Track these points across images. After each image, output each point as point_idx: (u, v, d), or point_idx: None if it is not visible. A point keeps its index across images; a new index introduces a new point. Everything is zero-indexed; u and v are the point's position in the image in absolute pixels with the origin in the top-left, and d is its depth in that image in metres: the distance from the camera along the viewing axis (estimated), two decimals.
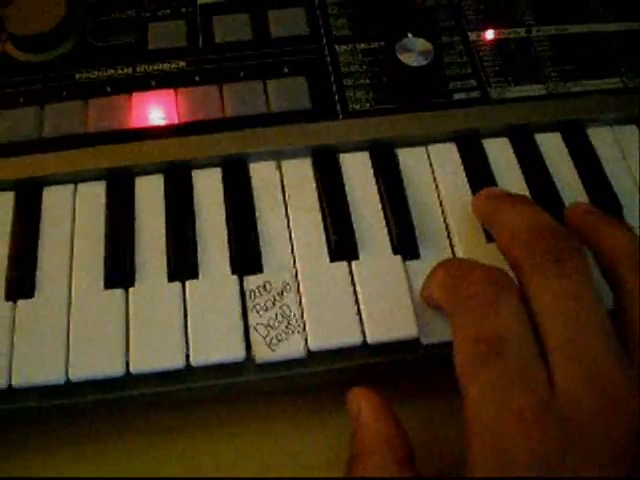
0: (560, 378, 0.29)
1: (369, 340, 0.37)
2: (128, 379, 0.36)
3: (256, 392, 0.39)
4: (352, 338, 0.37)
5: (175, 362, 0.36)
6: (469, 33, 0.47)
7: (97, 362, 0.36)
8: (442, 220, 0.41)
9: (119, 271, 0.39)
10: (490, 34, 0.47)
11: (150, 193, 0.42)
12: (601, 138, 0.44)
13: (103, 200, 0.41)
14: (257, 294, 0.38)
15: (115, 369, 0.36)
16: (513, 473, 0.26)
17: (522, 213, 0.35)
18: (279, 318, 0.38)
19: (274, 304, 0.38)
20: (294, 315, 0.38)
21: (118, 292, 0.38)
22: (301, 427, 0.39)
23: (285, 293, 0.38)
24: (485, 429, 0.28)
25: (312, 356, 0.37)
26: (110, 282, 0.38)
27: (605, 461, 0.26)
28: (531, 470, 0.26)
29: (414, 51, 0.45)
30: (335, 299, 0.38)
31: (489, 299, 0.30)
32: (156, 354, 0.36)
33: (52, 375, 0.36)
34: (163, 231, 0.40)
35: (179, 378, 0.37)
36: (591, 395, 0.28)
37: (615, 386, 0.28)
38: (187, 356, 0.37)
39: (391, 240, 0.40)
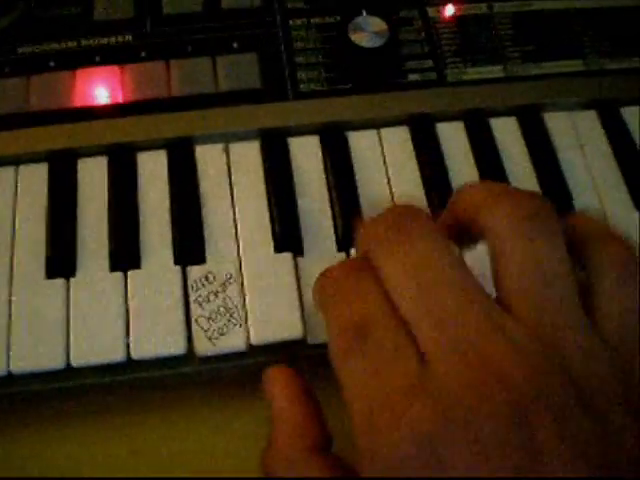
0: (426, 349, 0.27)
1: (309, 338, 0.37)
2: (69, 371, 0.36)
3: (199, 382, 0.39)
4: (294, 333, 0.37)
5: (115, 355, 0.36)
6: (428, 8, 0.45)
7: (39, 355, 0.36)
8: (391, 203, 0.40)
9: (60, 260, 0.38)
10: (450, 9, 0.45)
11: (93, 177, 0.41)
12: (558, 124, 0.43)
13: (45, 183, 0.40)
14: (200, 285, 0.38)
15: (57, 362, 0.36)
16: (396, 459, 0.25)
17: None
18: (221, 311, 0.37)
19: (217, 296, 0.38)
20: (236, 308, 0.37)
21: (59, 282, 0.38)
22: (244, 415, 0.40)
23: (228, 285, 0.38)
24: (362, 422, 0.26)
25: (254, 348, 0.37)
26: (51, 272, 0.38)
27: (485, 440, 0.24)
28: (415, 451, 0.24)
29: (368, 31, 0.43)
30: (278, 292, 0.38)
31: (346, 291, 0.29)
32: (96, 347, 0.36)
33: None
34: (105, 217, 0.39)
35: (121, 369, 0.37)
36: (461, 364, 0.25)
37: (485, 349, 0.26)
38: (128, 349, 0.37)
39: (335, 231, 0.39)
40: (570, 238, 0.31)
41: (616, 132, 0.43)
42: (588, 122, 0.44)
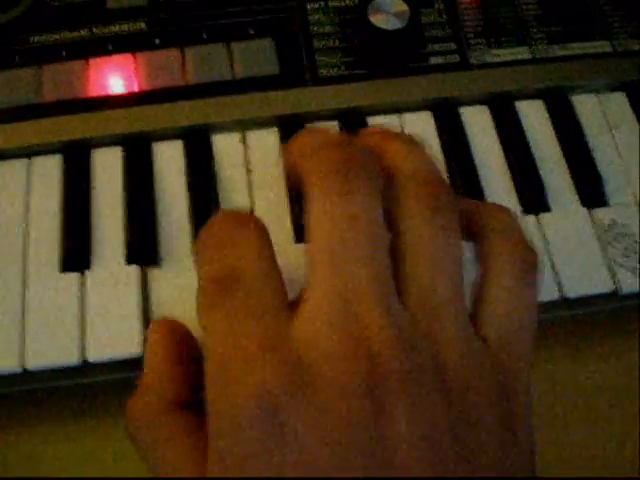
0: (304, 309, 0.25)
1: None
2: (85, 367, 0.35)
3: None
4: None
5: (133, 350, 0.35)
6: None
7: (54, 350, 0.35)
8: None
9: (75, 254, 0.37)
10: None
11: (108, 167, 0.39)
12: (586, 106, 0.42)
13: (59, 175, 0.39)
14: None
15: (72, 357, 0.35)
16: (237, 417, 0.24)
17: (306, 135, 0.31)
18: None
19: None
20: None
21: (74, 276, 0.37)
22: None
23: None
24: (214, 372, 0.25)
25: None
26: (66, 265, 0.37)
27: (332, 412, 0.23)
28: (257, 412, 0.23)
29: (388, 12, 0.42)
30: (302, 283, 0.37)
31: (225, 236, 0.27)
32: (113, 341, 0.35)
33: None
34: (121, 209, 0.38)
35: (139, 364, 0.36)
36: (331, 329, 0.24)
37: (363, 320, 0.24)
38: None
39: None
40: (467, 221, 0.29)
41: None
42: (617, 104, 0.42)
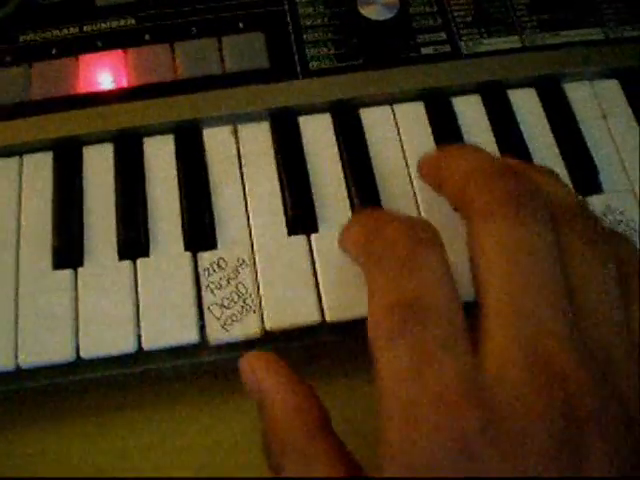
0: (491, 346, 0.24)
1: (328, 319, 0.36)
2: (79, 363, 0.35)
3: (215, 371, 0.38)
4: (311, 317, 0.35)
5: (126, 346, 0.35)
6: None
7: (48, 348, 0.35)
8: (408, 184, 0.39)
9: (67, 251, 0.37)
10: None
11: (99, 164, 0.39)
12: (579, 94, 0.42)
13: (50, 172, 0.39)
14: (211, 272, 0.37)
15: (66, 355, 0.35)
16: (431, 455, 0.23)
17: (471, 157, 0.30)
18: (234, 297, 0.36)
19: (229, 282, 0.36)
20: (249, 294, 0.36)
21: (66, 273, 0.37)
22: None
23: (240, 270, 0.37)
24: (400, 409, 0.24)
25: (270, 335, 0.36)
26: (58, 262, 0.37)
27: (528, 453, 0.22)
28: (450, 452, 0.23)
29: (378, 3, 0.42)
30: (293, 276, 0.36)
31: (406, 257, 0.26)
32: (106, 338, 0.35)
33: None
34: (113, 205, 0.38)
35: (132, 361, 0.36)
36: (524, 369, 0.23)
37: (554, 358, 0.23)
38: (139, 338, 0.35)
39: (352, 208, 0.38)
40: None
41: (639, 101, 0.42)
42: (610, 91, 0.42)
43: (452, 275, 0.26)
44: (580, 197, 0.30)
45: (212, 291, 0.36)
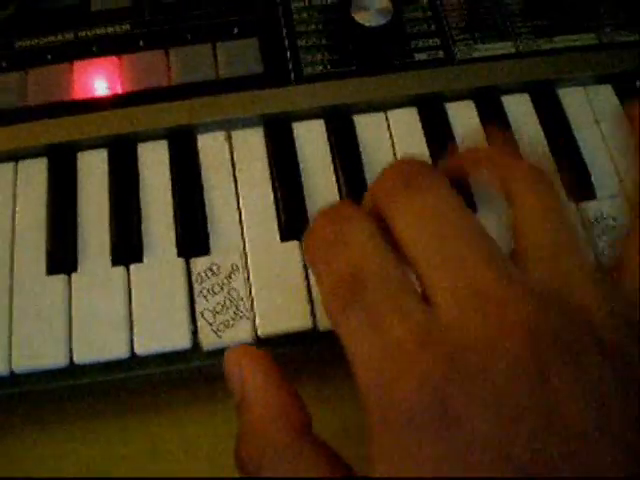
0: (437, 298, 0.25)
1: (321, 327, 0.36)
2: (72, 369, 0.35)
3: (207, 377, 0.38)
4: (303, 324, 0.36)
5: (119, 352, 0.35)
6: None
7: (41, 353, 0.35)
8: None
9: (61, 256, 0.37)
10: None
11: (93, 169, 0.40)
12: (572, 99, 0.42)
13: (44, 178, 0.39)
14: (204, 278, 0.37)
15: (59, 360, 0.35)
16: (407, 412, 0.23)
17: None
18: (227, 303, 0.36)
19: (222, 288, 0.36)
20: (242, 300, 0.36)
21: (60, 278, 0.37)
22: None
23: (233, 276, 0.37)
24: (369, 376, 0.25)
25: (262, 341, 0.36)
26: (52, 268, 0.37)
27: (499, 390, 0.23)
28: (426, 403, 0.23)
29: (371, 9, 0.42)
30: (286, 282, 0.37)
31: (333, 240, 0.27)
32: (99, 343, 0.35)
33: None
34: (106, 211, 0.38)
35: (125, 366, 0.36)
36: (471, 307, 0.24)
37: (497, 291, 0.24)
38: (132, 344, 0.36)
39: None
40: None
41: None
42: (604, 97, 0.42)
43: (382, 239, 0.27)
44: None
45: (205, 297, 0.36)
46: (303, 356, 0.37)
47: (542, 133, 0.41)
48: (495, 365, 0.23)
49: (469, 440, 0.23)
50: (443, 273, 0.25)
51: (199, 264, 0.37)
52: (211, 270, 0.37)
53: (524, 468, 0.22)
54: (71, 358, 0.35)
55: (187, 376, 0.37)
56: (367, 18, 0.41)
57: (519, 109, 0.41)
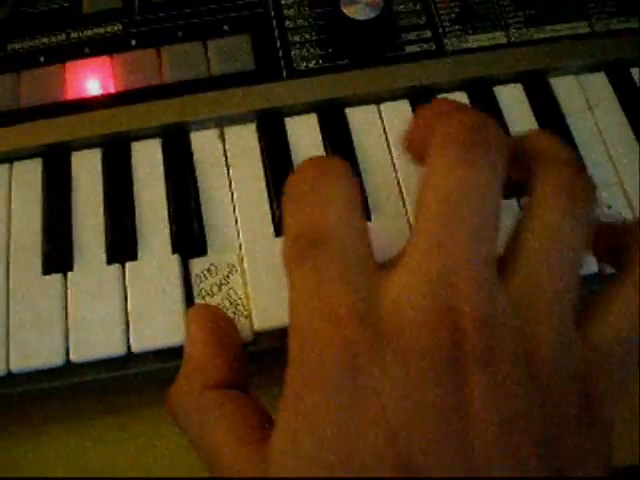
0: (399, 274, 0.25)
1: None
2: (68, 367, 0.35)
3: None
4: None
5: (115, 349, 0.35)
6: None
7: (38, 352, 0.35)
8: (395, 182, 0.39)
9: (57, 256, 0.37)
10: None
11: (87, 169, 0.40)
12: (565, 88, 0.42)
13: (39, 179, 0.40)
14: (203, 279, 0.37)
15: (56, 359, 0.35)
16: (320, 366, 0.24)
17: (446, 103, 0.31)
18: (226, 303, 0.36)
19: (220, 288, 0.36)
20: (241, 299, 0.36)
21: (56, 277, 0.37)
22: None
23: (231, 276, 0.37)
24: (298, 324, 0.26)
25: (259, 336, 0.36)
26: (48, 267, 0.37)
27: (409, 372, 0.23)
28: (337, 363, 0.24)
29: (361, 3, 0.42)
30: (281, 277, 0.36)
31: (309, 190, 0.27)
32: (96, 341, 0.35)
33: None
34: (101, 210, 0.38)
35: (122, 364, 0.36)
36: (424, 296, 0.24)
37: (458, 294, 0.24)
38: (128, 342, 0.36)
39: None
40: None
41: (627, 94, 0.41)
42: (597, 85, 0.42)
43: (360, 210, 0.27)
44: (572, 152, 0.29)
45: (204, 298, 0.36)
46: None
47: (535, 122, 0.41)
48: (414, 356, 0.23)
49: (370, 414, 0.23)
50: (422, 250, 0.25)
51: (197, 265, 0.37)
52: (209, 271, 0.37)
53: (407, 461, 0.22)
54: (68, 357, 0.35)
55: None
56: (357, 11, 0.41)
57: (511, 99, 0.41)
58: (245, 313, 0.36)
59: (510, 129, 0.40)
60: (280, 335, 0.36)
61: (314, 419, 0.24)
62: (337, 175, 0.28)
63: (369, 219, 0.38)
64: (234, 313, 0.36)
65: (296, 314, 0.26)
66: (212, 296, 0.36)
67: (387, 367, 0.23)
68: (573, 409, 0.24)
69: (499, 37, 0.42)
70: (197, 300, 0.36)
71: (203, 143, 0.40)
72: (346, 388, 0.23)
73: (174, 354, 0.36)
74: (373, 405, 0.23)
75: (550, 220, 0.26)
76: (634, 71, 0.42)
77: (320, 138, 0.40)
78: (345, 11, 0.41)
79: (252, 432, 0.27)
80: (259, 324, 0.35)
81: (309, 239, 0.26)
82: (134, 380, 0.36)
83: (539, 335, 0.25)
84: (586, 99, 0.41)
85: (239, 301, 0.36)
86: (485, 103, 0.41)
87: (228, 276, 0.37)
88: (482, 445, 0.23)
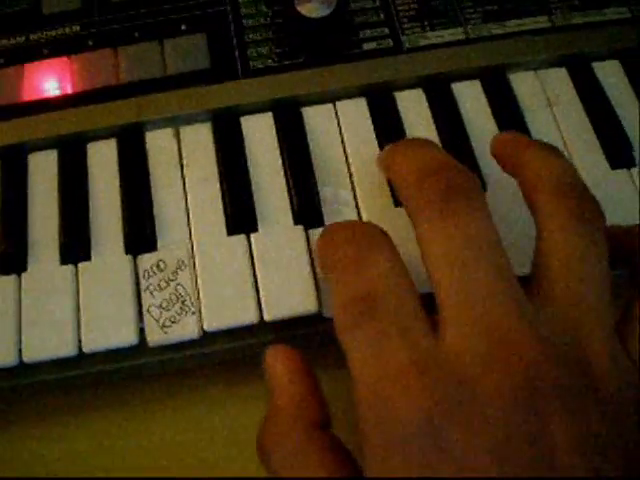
0: (448, 329, 0.26)
1: (266, 318, 0.36)
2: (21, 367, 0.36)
3: (158, 372, 0.38)
4: (249, 317, 0.36)
5: (67, 350, 0.35)
6: None
7: None
8: (348, 181, 0.39)
9: (10, 256, 0.37)
10: None
11: (43, 170, 0.40)
12: (524, 84, 0.41)
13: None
14: (151, 274, 0.37)
15: (9, 359, 0.35)
16: (398, 435, 0.25)
17: (414, 154, 0.31)
18: (173, 299, 0.36)
19: (168, 284, 0.37)
20: (188, 295, 0.36)
21: (11, 278, 0.37)
22: (205, 403, 0.39)
23: (180, 272, 0.37)
24: (368, 393, 0.26)
25: (208, 336, 0.36)
26: (1, 268, 0.37)
27: (490, 421, 0.24)
28: (417, 429, 0.24)
29: (314, 1, 0.41)
30: (232, 276, 0.36)
31: (354, 258, 0.28)
32: (48, 342, 0.35)
33: None
34: (57, 210, 0.39)
35: (75, 364, 0.36)
36: (480, 343, 0.25)
37: (508, 332, 0.25)
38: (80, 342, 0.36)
39: (292, 209, 0.38)
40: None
41: (588, 89, 0.41)
42: (557, 80, 0.41)
43: (403, 267, 0.28)
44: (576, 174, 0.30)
45: (151, 293, 0.36)
46: (249, 349, 0.37)
47: (493, 119, 0.40)
48: (492, 402, 0.24)
49: (456, 470, 0.23)
50: (458, 304, 0.26)
51: (146, 260, 0.37)
52: (158, 266, 0.37)
53: None
54: (20, 357, 0.35)
55: (137, 371, 0.37)
56: (310, 9, 0.41)
57: (469, 96, 0.41)
58: (193, 309, 0.36)
59: (467, 126, 0.40)
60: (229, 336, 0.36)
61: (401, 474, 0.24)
62: (376, 243, 0.29)
63: (322, 223, 0.38)
64: (181, 308, 0.36)
65: (361, 381, 0.26)
66: (160, 291, 0.36)
67: (465, 421, 0.24)
68: (635, 417, 0.25)
69: (457, 33, 0.42)
70: (144, 295, 0.36)
71: (158, 142, 0.40)
72: (430, 448, 0.24)
73: (126, 354, 0.36)
74: (459, 460, 0.23)
75: (571, 248, 0.28)
76: (595, 66, 0.42)
77: (275, 137, 0.40)
78: (299, 9, 0.41)
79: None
80: (209, 324, 0.35)
81: (362, 304, 0.27)
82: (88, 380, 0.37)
83: (592, 354, 0.26)
84: (546, 95, 0.41)
85: (186, 296, 0.36)
86: (443, 100, 0.41)
87: (176, 271, 0.37)
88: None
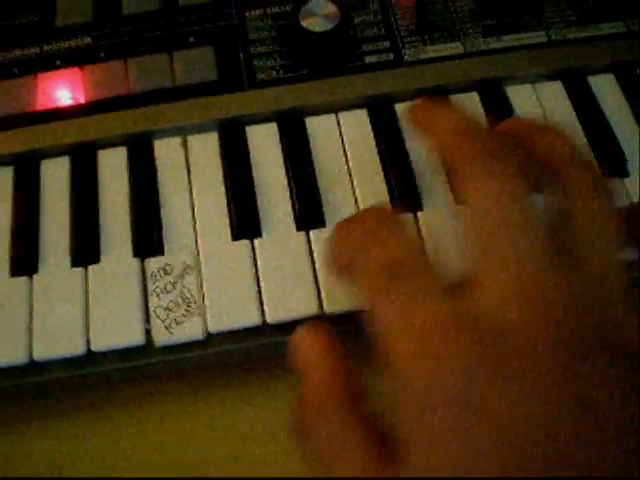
0: (484, 280, 0.26)
1: (269, 320, 0.37)
2: (31, 365, 0.37)
3: (164, 372, 0.39)
4: (252, 319, 0.37)
5: (76, 349, 0.37)
6: None
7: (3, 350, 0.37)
8: (350, 191, 0.40)
9: (23, 259, 0.39)
10: None
11: (55, 176, 0.41)
12: (521, 97, 0.43)
13: (10, 186, 0.41)
14: (158, 277, 0.38)
15: (19, 357, 0.36)
16: (439, 392, 0.24)
17: (453, 116, 0.33)
18: (179, 301, 0.37)
19: (174, 286, 0.38)
20: (194, 297, 0.37)
21: (22, 280, 0.38)
22: (210, 403, 0.40)
23: (186, 275, 0.38)
24: (406, 345, 0.26)
25: (213, 337, 0.37)
26: (13, 270, 0.39)
27: (534, 369, 0.24)
28: (460, 383, 0.24)
29: (318, 15, 0.43)
30: (236, 279, 0.38)
31: (372, 233, 0.29)
32: (59, 341, 0.37)
33: None
34: (68, 215, 0.40)
35: (83, 362, 0.37)
36: (512, 295, 0.25)
37: (545, 288, 0.25)
38: (88, 342, 0.37)
39: (294, 216, 0.39)
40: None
41: (583, 102, 0.42)
42: (553, 93, 0.43)
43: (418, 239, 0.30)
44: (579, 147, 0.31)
45: (158, 295, 0.38)
46: (252, 351, 0.38)
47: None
48: (531, 357, 0.24)
49: (497, 432, 0.23)
50: (495, 258, 0.27)
51: (153, 264, 0.38)
52: (164, 270, 0.38)
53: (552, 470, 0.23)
54: (31, 356, 0.37)
55: (144, 371, 0.38)
56: (315, 24, 0.43)
57: (468, 108, 0.42)
58: (198, 311, 0.37)
59: None
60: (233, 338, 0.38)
61: (444, 438, 0.24)
62: (388, 214, 0.30)
63: (324, 225, 0.39)
64: (186, 310, 0.37)
65: (397, 341, 0.26)
66: (166, 293, 0.38)
67: (506, 377, 0.24)
68: None
69: (456, 47, 0.43)
70: (151, 297, 0.37)
71: (166, 151, 0.42)
72: (473, 407, 0.24)
73: (134, 353, 0.37)
74: (501, 423, 0.23)
75: (591, 217, 0.28)
76: (591, 79, 0.43)
77: (279, 146, 0.41)
78: (304, 24, 0.42)
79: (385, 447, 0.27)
80: (213, 326, 0.37)
81: (388, 271, 0.27)
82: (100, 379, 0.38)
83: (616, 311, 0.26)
84: (542, 108, 0.42)
85: (191, 299, 0.37)
86: None
87: (182, 275, 0.38)
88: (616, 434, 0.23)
